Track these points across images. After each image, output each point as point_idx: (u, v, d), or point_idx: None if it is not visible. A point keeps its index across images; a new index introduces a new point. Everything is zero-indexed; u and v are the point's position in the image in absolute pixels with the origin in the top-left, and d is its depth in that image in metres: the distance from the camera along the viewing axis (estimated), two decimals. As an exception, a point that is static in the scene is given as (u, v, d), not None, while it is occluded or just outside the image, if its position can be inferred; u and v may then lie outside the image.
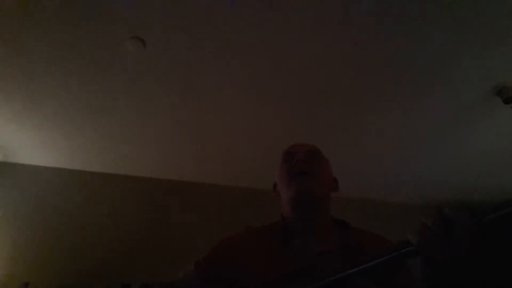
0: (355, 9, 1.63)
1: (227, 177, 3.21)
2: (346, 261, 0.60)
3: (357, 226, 0.87)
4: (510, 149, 2.66)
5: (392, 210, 3.45)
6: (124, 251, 2.80)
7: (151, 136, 2.68)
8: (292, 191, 0.82)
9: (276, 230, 0.85)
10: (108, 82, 2.12)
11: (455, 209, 0.46)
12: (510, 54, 1.85)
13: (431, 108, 2.27)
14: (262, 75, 2.06)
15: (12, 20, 1.71)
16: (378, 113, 2.36)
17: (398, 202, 3.52)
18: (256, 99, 2.27)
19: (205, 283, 0.80)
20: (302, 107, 2.33)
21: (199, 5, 1.63)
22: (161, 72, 2.05)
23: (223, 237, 0.91)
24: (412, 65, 1.94)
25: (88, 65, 1.99)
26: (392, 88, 2.13)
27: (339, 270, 0.57)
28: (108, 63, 1.98)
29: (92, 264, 2.71)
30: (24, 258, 2.67)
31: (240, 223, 0.94)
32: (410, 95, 2.17)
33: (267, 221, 0.92)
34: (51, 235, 2.79)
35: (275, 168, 0.95)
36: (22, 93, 2.23)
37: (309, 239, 0.80)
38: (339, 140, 2.63)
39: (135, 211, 3.04)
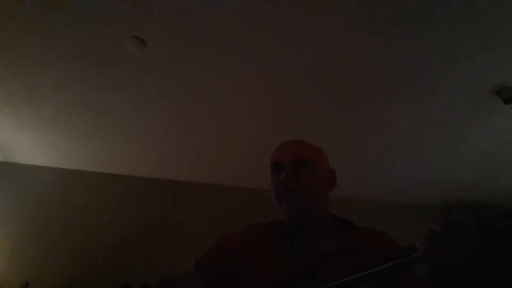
0: (358, 9, 1.63)
1: (227, 177, 3.21)
2: (349, 262, 0.60)
3: (358, 224, 0.86)
4: (510, 149, 2.66)
5: (392, 210, 3.45)
6: (124, 251, 2.80)
7: (151, 136, 2.68)
8: (284, 209, 0.82)
9: (276, 230, 0.85)
10: (108, 82, 2.12)
11: (463, 213, 0.45)
12: (510, 54, 1.84)
13: (431, 108, 2.26)
14: (263, 75, 2.06)
15: (12, 20, 1.71)
16: (378, 113, 2.36)
17: (398, 202, 3.52)
18: (257, 99, 2.27)
19: (206, 281, 0.80)
20: (302, 107, 2.33)
21: (199, 5, 1.63)
22: (161, 72, 2.04)
23: (223, 235, 0.90)
24: (412, 65, 1.94)
25: (88, 65, 1.99)
26: (392, 88, 2.13)
27: (342, 272, 0.56)
28: (108, 63, 1.97)
29: (92, 264, 2.71)
30: (24, 258, 2.67)
31: (240, 223, 0.94)
32: (410, 95, 2.17)
33: (268, 221, 0.92)
34: (51, 235, 2.79)
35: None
36: (22, 93, 2.23)
37: (309, 241, 0.80)
38: (339, 140, 2.63)
39: (135, 211, 3.04)
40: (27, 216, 2.83)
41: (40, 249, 2.72)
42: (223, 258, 0.83)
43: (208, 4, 1.63)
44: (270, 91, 2.19)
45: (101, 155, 2.94)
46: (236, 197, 3.27)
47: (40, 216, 2.85)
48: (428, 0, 1.57)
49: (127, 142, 2.76)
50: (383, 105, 2.28)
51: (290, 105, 2.32)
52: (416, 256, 0.48)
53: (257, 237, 0.85)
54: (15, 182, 2.96)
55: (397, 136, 2.59)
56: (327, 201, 0.87)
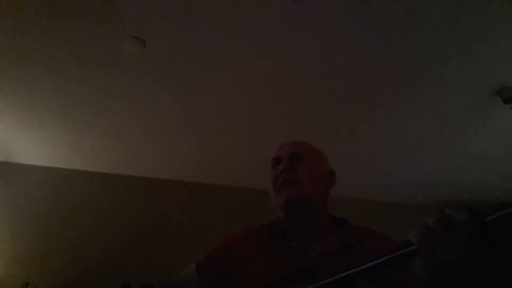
0: (354, 10, 1.63)
1: (227, 177, 3.22)
2: (347, 261, 0.60)
3: (356, 224, 0.87)
4: (510, 149, 2.66)
5: (392, 210, 3.45)
6: (124, 251, 2.80)
7: (151, 136, 2.68)
8: (281, 200, 0.83)
9: (275, 231, 0.85)
10: (108, 82, 2.13)
11: (457, 209, 0.45)
12: (510, 54, 1.85)
13: (432, 108, 2.27)
14: (262, 76, 2.06)
15: (12, 20, 1.71)
16: (378, 113, 2.36)
17: (398, 202, 3.52)
18: (256, 99, 2.27)
19: (206, 283, 0.80)
20: (302, 107, 2.33)
21: (199, 5, 1.63)
22: (161, 72, 2.05)
23: (223, 237, 0.91)
24: (413, 65, 1.94)
25: (88, 65, 1.99)
26: (392, 88, 2.13)
27: (340, 271, 0.57)
28: (108, 63, 1.98)
29: (92, 264, 2.71)
30: (24, 258, 2.67)
31: (240, 223, 0.94)
32: (410, 95, 2.17)
33: (266, 221, 0.92)
34: (51, 235, 2.79)
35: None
36: (22, 93, 2.23)
37: (306, 241, 0.80)
38: (339, 140, 2.64)
39: (135, 211, 3.04)
40: (27, 216, 2.83)
41: (40, 249, 2.72)
42: (223, 260, 0.83)
43: (208, 4, 1.63)
44: (270, 91, 2.19)
45: (101, 155, 2.94)
46: (236, 197, 3.27)
47: (39, 216, 2.85)
48: (428, 1, 1.57)
49: (127, 142, 2.76)
50: (383, 106, 2.28)
51: (290, 106, 2.32)
52: (411, 249, 0.48)
53: (256, 238, 0.86)
54: (15, 182, 2.96)
55: (397, 136, 2.59)
56: (325, 200, 0.88)
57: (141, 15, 1.69)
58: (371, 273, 0.54)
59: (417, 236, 0.48)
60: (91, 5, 1.63)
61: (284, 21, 1.71)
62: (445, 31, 1.72)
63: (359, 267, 0.54)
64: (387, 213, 3.37)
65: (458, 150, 2.71)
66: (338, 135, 2.59)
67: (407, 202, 3.51)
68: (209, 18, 1.70)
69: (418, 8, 1.61)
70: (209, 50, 1.88)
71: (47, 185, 3.00)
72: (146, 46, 1.84)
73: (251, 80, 2.11)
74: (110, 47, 1.87)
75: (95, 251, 2.77)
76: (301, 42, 1.83)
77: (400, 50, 1.85)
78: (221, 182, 3.29)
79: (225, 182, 3.29)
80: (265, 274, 0.74)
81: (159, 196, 3.17)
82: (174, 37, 1.81)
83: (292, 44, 1.84)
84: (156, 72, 2.05)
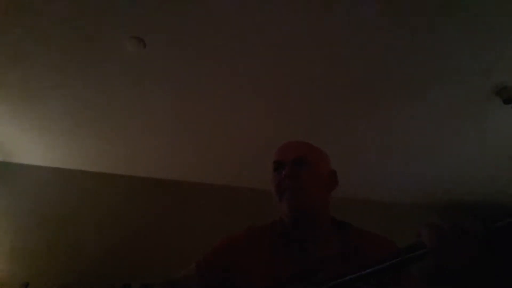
0: (354, 9, 1.63)
1: (227, 177, 3.21)
2: (347, 264, 0.60)
3: (357, 226, 0.87)
4: (510, 149, 2.66)
5: (392, 210, 3.45)
6: (124, 251, 2.80)
7: (151, 136, 2.68)
8: (284, 207, 0.83)
9: (276, 232, 0.85)
10: (108, 82, 2.12)
11: (468, 217, 0.46)
12: (510, 54, 1.85)
13: (431, 108, 2.27)
14: (262, 75, 2.06)
15: (12, 20, 1.71)
16: (379, 114, 2.36)
17: (398, 202, 3.52)
18: (256, 99, 2.27)
19: (206, 283, 0.80)
20: (303, 107, 2.33)
21: (199, 5, 1.63)
22: (161, 72, 2.04)
23: (224, 237, 0.90)
24: (413, 65, 1.94)
25: (88, 65, 1.99)
26: (393, 88, 2.13)
27: (341, 274, 0.57)
28: (108, 63, 1.98)
29: (92, 264, 2.71)
30: (24, 258, 2.67)
31: (240, 223, 0.94)
32: (410, 95, 2.17)
33: (267, 221, 0.92)
34: (51, 235, 2.79)
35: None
36: (22, 93, 2.23)
37: (308, 243, 0.80)
38: (339, 140, 2.63)
39: (135, 211, 3.04)
40: (27, 216, 2.83)
41: (40, 249, 2.72)
42: (224, 261, 0.83)
43: (208, 4, 1.63)
44: (270, 91, 2.19)
45: (101, 155, 2.94)
46: (236, 197, 3.27)
47: (40, 216, 2.85)
48: (428, 1, 1.57)
49: (127, 142, 2.76)
50: (383, 106, 2.28)
51: (290, 105, 2.32)
52: (422, 252, 0.48)
53: (257, 239, 0.85)
54: (15, 182, 2.96)
55: (397, 136, 2.59)
56: (327, 202, 0.88)
57: (141, 15, 1.69)
58: (376, 277, 0.54)
59: (432, 239, 0.48)
60: (91, 5, 1.63)
61: (285, 21, 1.71)
62: (445, 31, 1.72)
63: (362, 270, 0.54)
64: (387, 213, 3.37)
65: (458, 150, 2.71)
66: (338, 135, 2.59)
67: (408, 202, 3.51)
68: (210, 18, 1.70)
69: (418, 8, 1.61)
70: (209, 50, 1.88)
71: (47, 185, 3.00)
72: (146, 46, 1.84)
73: (252, 80, 2.11)
74: (110, 47, 1.87)
75: (95, 251, 2.77)
76: (302, 43, 1.83)
77: (400, 51, 1.85)
78: (221, 182, 3.29)
79: (225, 182, 3.29)
80: (265, 275, 0.74)
81: (159, 196, 3.17)
82: (174, 37, 1.81)
83: (293, 44, 1.84)
84: (156, 72, 2.05)
